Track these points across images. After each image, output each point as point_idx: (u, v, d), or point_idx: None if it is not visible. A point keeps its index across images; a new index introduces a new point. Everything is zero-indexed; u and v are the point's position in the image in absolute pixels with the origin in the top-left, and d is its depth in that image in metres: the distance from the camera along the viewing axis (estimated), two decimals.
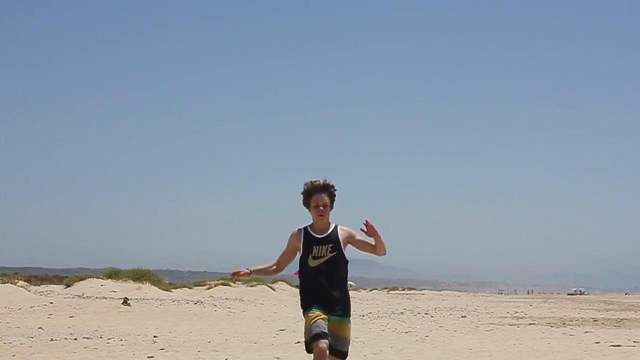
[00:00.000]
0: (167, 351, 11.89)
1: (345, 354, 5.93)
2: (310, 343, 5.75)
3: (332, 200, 6.11)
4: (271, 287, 41.53)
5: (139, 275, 30.47)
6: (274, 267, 6.17)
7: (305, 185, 6.11)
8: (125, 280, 29.83)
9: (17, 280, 29.51)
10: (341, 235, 6.07)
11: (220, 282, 41.04)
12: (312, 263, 5.98)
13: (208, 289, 38.23)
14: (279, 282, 47.44)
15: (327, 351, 5.71)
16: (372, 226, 6.00)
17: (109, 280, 29.90)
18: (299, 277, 6.13)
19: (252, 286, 40.03)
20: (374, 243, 6.04)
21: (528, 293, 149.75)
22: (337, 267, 6.01)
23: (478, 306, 41.17)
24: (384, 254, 6.16)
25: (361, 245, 6.10)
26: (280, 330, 17.15)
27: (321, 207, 6.01)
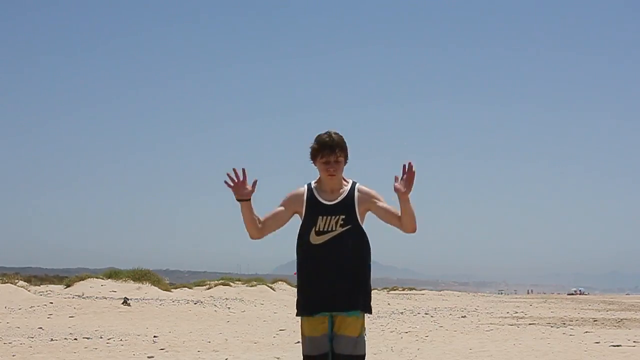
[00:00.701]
0: (167, 351, 11.89)
1: (359, 358, 4.51)
2: None
3: (346, 157, 4.56)
4: (271, 287, 41.51)
5: (139, 275, 30.48)
6: (259, 225, 4.49)
7: (315, 141, 4.55)
8: (125, 280, 29.83)
9: (17, 280, 29.49)
10: (359, 199, 4.51)
11: (220, 282, 41.05)
12: (315, 240, 4.42)
13: (208, 289, 38.21)
14: (279, 282, 47.41)
15: None
16: (412, 169, 4.33)
17: (109, 280, 29.91)
18: (297, 260, 4.54)
19: (252, 286, 40.02)
20: (399, 213, 4.40)
21: (528, 293, 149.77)
22: (350, 245, 4.42)
23: (478, 306, 41.14)
24: (413, 230, 4.43)
25: (384, 214, 4.47)
26: (280, 330, 17.14)
27: (332, 163, 4.49)
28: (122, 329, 16.27)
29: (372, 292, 4.76)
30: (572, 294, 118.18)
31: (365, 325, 4.58)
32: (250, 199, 4.45)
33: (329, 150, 4.46)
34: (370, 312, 4.55)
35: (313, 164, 4.59)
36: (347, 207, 4.46)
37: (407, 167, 4.38)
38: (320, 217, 4.42)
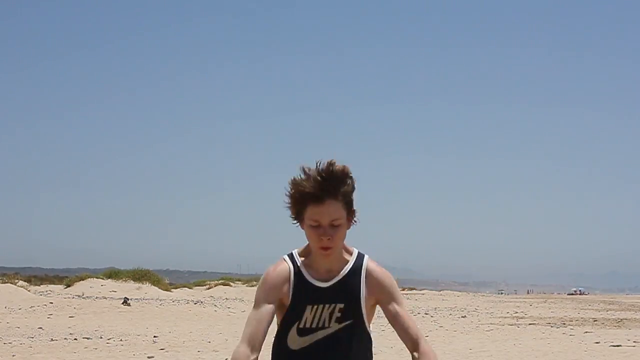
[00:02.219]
0: (167, 351, 11.88)
1: None
2: None
3: (350, 211, 2.54)
4: None
5: (139, 275, 30.51)
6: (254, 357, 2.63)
7: (294, 182, 2.52)
8: (125, 280, 29.85)
9: (17, 280, 29.56)
10: (368, 285, 2.62)
11: (220, 282, 41.10)
12: (296, 343, 2.72)
13: (208, 289, 38.27)
14: None
15: None
16: None
17: (109, 280, 29.93)
18: None
19: (252, 286, 40.04)
20: (411, 332, 2.52)
21: (528, 293, 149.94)
22: (349, 348, 2.62)
23: (478, 306, 41.14)
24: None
25: (394, 321, 2.59)
26: None
27: (327, 230, 2.51)
28: (122, 329, 16.26)
29: None
30: (572, 294, 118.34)
31: None
32: None
33: (320, 204, 2.50)
34: None
35: (293, 221, 2.61)
36: (348, 293, 2.62)
37: None
38: (309, 307, 2.63)
